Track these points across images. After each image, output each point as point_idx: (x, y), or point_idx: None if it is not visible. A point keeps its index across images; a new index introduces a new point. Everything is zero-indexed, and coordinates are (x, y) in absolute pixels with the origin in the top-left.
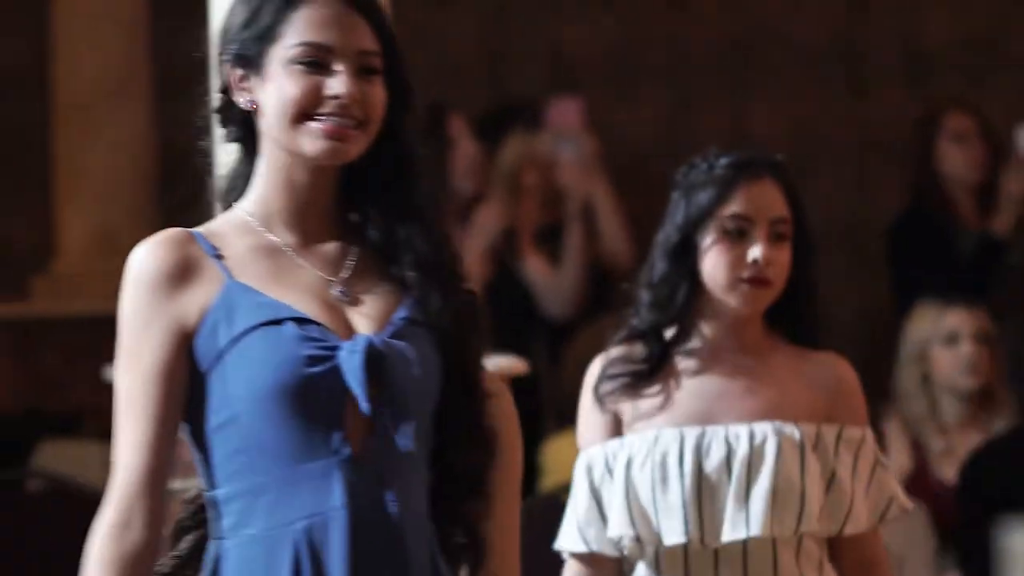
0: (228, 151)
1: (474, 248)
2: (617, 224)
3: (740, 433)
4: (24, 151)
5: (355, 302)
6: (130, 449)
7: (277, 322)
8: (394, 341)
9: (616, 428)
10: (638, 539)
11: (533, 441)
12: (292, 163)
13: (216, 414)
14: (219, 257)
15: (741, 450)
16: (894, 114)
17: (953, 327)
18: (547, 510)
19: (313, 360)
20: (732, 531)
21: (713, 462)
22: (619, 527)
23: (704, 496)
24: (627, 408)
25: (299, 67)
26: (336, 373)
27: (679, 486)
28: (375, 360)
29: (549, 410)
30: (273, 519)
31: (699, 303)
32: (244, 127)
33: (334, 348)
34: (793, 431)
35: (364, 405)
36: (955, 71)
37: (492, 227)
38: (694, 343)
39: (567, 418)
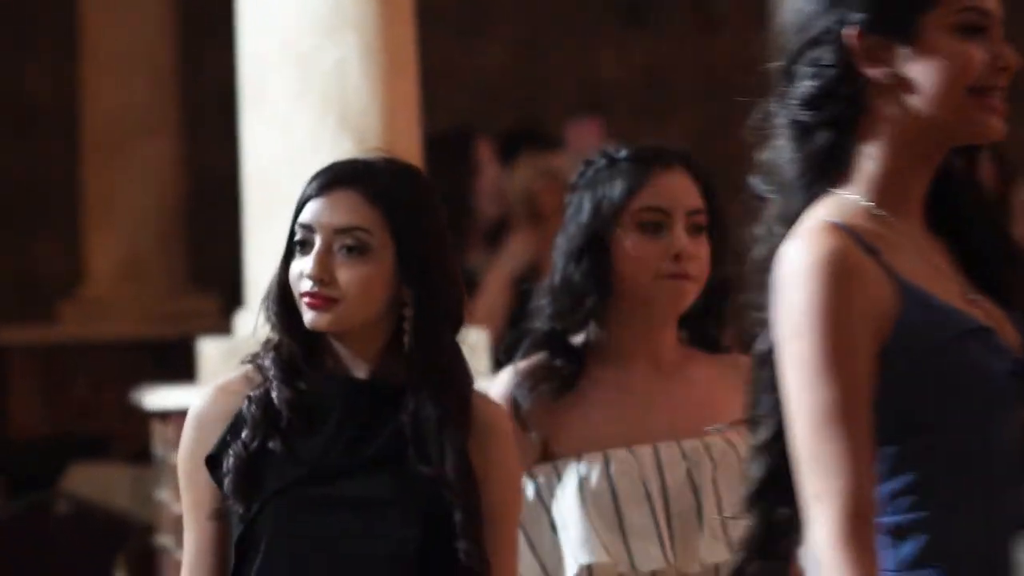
0: (255, 139)
1: (500, 275)
2: None
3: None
4: (53, 178)
5: (984, 306)
6: (850, 469)
7: (966, 333)
8: None
9: (543, 450)
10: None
11: None
12: (930, 144)
13: (901, 432)
14: (874, 252)
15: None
16: None
17: None
18: None
19: (1011, 376)
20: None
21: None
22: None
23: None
24: (549, 428)
25: (965, 34)
26: None
27: (647, 507)
28: None
29: None
30: (986, 550)
31: (611, 309)
32: (851, 105)
33: (1019, 360)
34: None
35: None
36: None
37: (521, 254)
38: (609, 353)
39: None
